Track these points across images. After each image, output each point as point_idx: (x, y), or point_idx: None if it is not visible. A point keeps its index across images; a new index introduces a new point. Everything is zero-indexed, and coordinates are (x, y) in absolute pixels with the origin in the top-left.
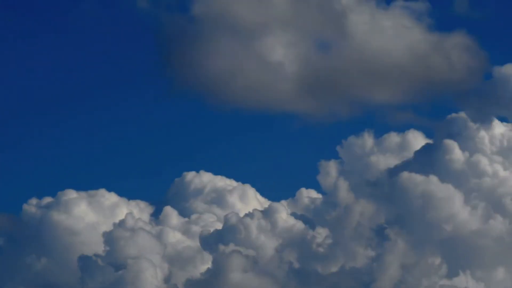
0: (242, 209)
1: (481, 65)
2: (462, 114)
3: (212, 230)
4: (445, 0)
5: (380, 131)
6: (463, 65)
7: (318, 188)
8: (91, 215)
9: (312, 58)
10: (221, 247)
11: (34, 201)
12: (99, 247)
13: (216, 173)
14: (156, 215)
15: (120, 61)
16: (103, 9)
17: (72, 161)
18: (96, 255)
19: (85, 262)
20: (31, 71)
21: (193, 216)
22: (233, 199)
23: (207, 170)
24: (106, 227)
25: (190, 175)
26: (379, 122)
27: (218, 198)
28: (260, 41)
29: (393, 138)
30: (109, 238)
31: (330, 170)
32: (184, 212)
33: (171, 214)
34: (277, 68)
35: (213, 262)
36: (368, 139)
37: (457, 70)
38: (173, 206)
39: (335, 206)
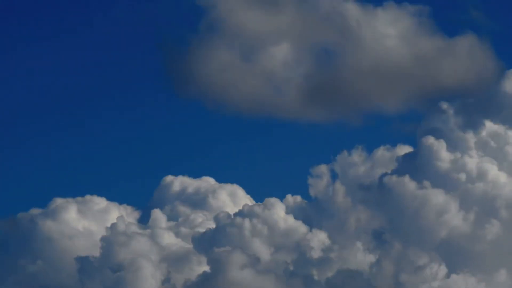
0: (231, 211)
1: (492, 71)
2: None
3: (204, 230)
4: (453, 4)
5: (379, 141)
6: (473, 71)
7: (311, 193)
8: (82, 221)
9: (316, 66)
10: (215, 247)
11: (27, 212)
12: (95, 252)
13: (200, 176)
14: (143, 219)
15: (113, 69)
16: (108, 16)
17: (58, 169)
18: (94, 257)
19: (82, 264)
20: (18, 83)
21: (182, 219)
22: (221, 201)
23: (191, 174)
24: (98, 231)
25: (171, 179)
26: (381, 131)
27: (202, 201)
28: (263, 49)
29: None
30: (105, 242)
31: (324, 175)
32: (172, 215)
33: (160, 217)
34: (280, 76)
35: (208, 263)
36: (361, 153)
37: (466, 76)
38: (160, 210)
39: (329, 211)
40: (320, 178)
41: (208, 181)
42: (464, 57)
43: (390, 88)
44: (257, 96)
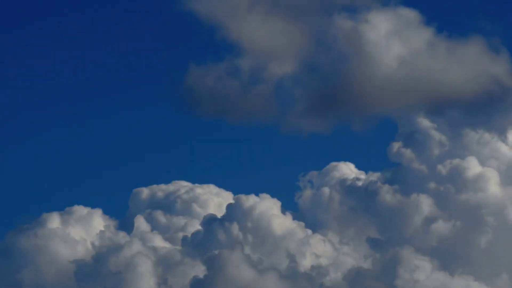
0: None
1: (500, 75)
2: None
3: (191, 234)
4: (459, 7)
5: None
6: (481, 75)
7: (306, 198)
8: (69, 230)
9: (318, 79)
10: (207, 249)
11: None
12: (87, 259)
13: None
14: (123, 227)
15: (105, 76)
16: (112, 19)
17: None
18: (88, 264)
19: (78, 267)
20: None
21: (165, 224)
22: (201, 206)
23: (164, 181)
24: (88, 240)
25: (140, 189)
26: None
27: (184, 205)
28: (267, 64)
29: None
30: (96, 250)
31: (317, 182)
32: (154, 221)
33: (144, 224)
34: (281, 91)
35: (203, 265)
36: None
37: (473, 81)
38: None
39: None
40: (312, 185)
41: (185, 185)
42: (472, 63)
43: (395, 98)
44: (259, 107)
